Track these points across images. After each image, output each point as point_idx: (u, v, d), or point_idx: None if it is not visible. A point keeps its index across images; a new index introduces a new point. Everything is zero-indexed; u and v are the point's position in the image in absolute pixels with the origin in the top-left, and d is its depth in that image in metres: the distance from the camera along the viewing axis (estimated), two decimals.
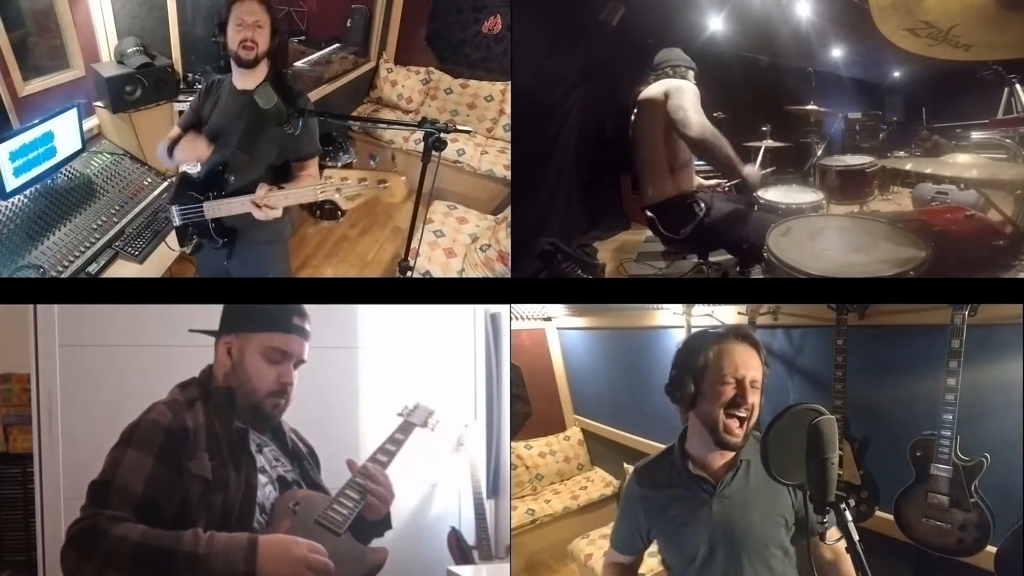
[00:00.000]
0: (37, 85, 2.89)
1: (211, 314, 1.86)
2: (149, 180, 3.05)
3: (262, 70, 2.39)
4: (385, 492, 1.85)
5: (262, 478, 1.75)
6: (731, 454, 1.69)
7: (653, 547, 1.86)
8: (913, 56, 2.57)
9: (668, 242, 3.08)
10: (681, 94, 2.86)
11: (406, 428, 2.09)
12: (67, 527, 1.58)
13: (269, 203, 2.22)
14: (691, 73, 2.99)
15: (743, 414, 1.62)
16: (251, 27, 2.32)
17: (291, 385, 1.80)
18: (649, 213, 3.02)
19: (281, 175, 2.41)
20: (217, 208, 2.36)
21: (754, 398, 1.63)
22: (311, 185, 2.33)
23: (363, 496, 1.81)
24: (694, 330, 1.75)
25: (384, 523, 1.90)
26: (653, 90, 2.96)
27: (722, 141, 2.79)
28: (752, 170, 2.89)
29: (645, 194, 3.03)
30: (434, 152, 2.28)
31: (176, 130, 2.53)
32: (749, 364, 1.64)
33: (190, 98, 3.34)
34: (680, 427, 1.76)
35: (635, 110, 3.05)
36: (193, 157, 2.48)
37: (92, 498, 1.61)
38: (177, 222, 2.44)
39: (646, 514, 1.77)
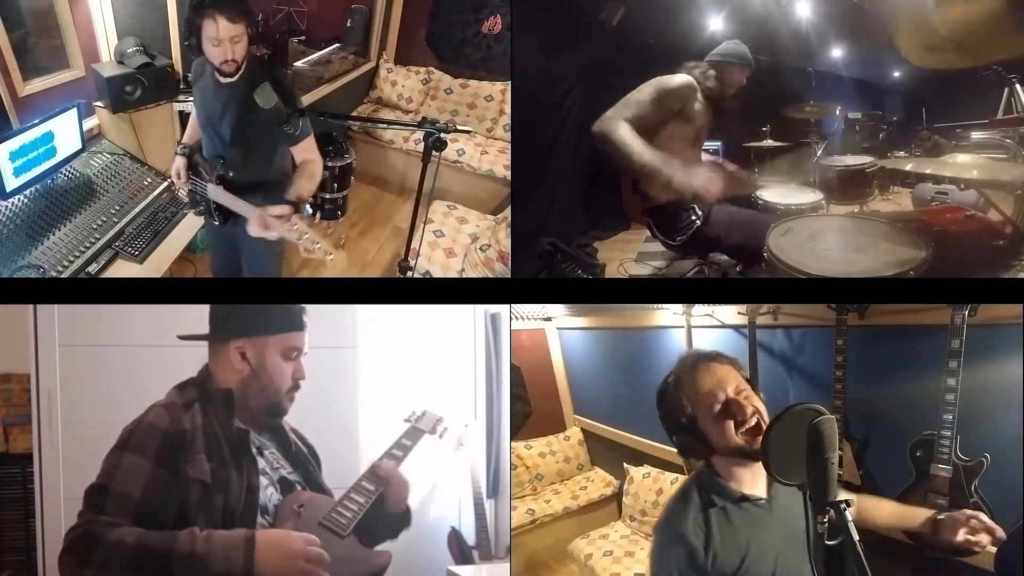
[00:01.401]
0: (37, 85, 2.89)
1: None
2: (149, 180, 3.05)
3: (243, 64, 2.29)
4: (400, 490, 1.87)
5: (263, 480, 1.74)
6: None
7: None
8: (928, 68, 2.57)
9: (667, 246, 3.06)
10: (638, 89, 2.75)
11: (414, 434, 2.08)
12: (65, 532, 1.57)
13: (271, 228, 2.12)
14: (713, 68, 2.86)
15: (752, 422, 1.55)
16: (227, 45, 2.20)
17: (304, 379, 1.82)
18: (647, 217, 2.99)
19: (284, 187, 2.33)
20: (220, 196, 2.36)
21: (752, 402, 1.56)
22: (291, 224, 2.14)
23: (369, 500, 1.81)
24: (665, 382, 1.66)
25: (404, 518, 1.91)
26: None
27: (629, 152, 2.61)
28: (702, 182, 2.62)
29: (645, 196, 3.02)
30: (434, 152, 2.28)
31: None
32: (722, 380, 1.57)
33: (191, 98, 3.36)
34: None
35: None
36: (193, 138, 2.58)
37: (89, 503, 1.59)
38: (184, 189, 2.54)
39: (704, 557, 1.53)
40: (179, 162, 2.51)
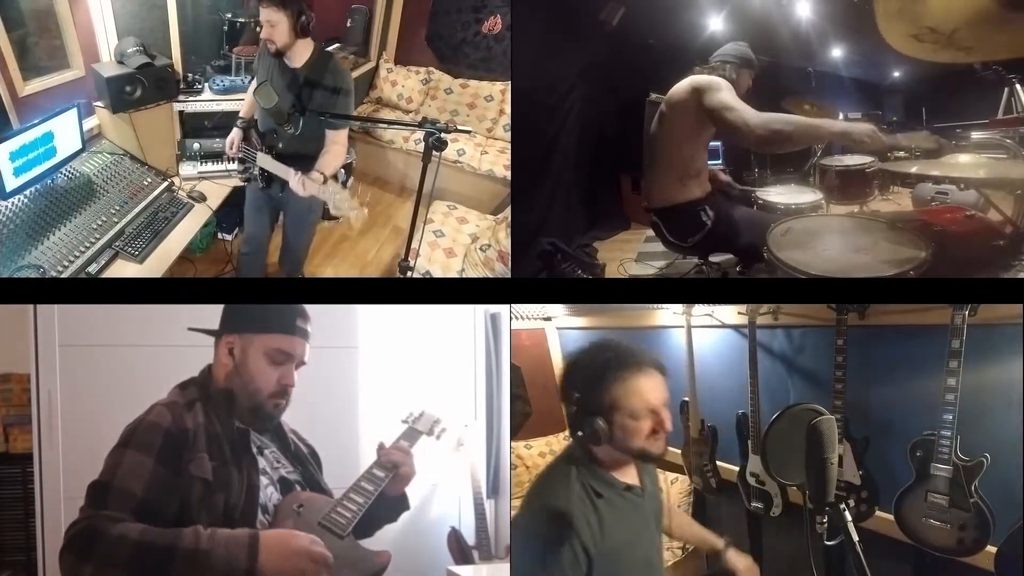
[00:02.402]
0: (37, 85, 2.89)
1: (211, 314, 1.86)
2: (149, 180, 3.05)
3: (303, 52, 2.66)
4: (409, 472, 1.90)
5: (263, 479, 1.74)
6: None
7: None
8: (914, 58, 2.57)
9: (674, 247, 3.01)
10: (717, 91, 2.63)
11: (411, 435, 2.08)
12: (66, 529, 1.57)
13: (308, 188, 2.57)
14: (732, 68, 2.77)
15: (663, 436, 1.57)
16: (267, 27, 2.60)
17: (292, 387, 1.80)
18: (655, 218, 2.92)
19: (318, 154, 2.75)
20: (268, 163, 2.71)
21: (669, 417, 1.57)
22: (336, 158, 2.75)
23: (369, 499, 1.81)
24: (574, 350, 1.68)
25: (403, 502, 1.92)
26: (679, 88, 2.77)
27: (792, 123, 2.52)
28: (858, 127, 2.55)
29: (652, 197, 2.93)
30: (434, 152, 2.30)
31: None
32: (656, 390, 1.57)
33: (190, 98, 3.37)
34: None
35: (660, 109, 2.88)
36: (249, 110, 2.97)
37: (91, 500, 1.59)
38: (240, 155, 2.86)
39: (583, 542, 1.50)
40: (235, 133, 2.87)
